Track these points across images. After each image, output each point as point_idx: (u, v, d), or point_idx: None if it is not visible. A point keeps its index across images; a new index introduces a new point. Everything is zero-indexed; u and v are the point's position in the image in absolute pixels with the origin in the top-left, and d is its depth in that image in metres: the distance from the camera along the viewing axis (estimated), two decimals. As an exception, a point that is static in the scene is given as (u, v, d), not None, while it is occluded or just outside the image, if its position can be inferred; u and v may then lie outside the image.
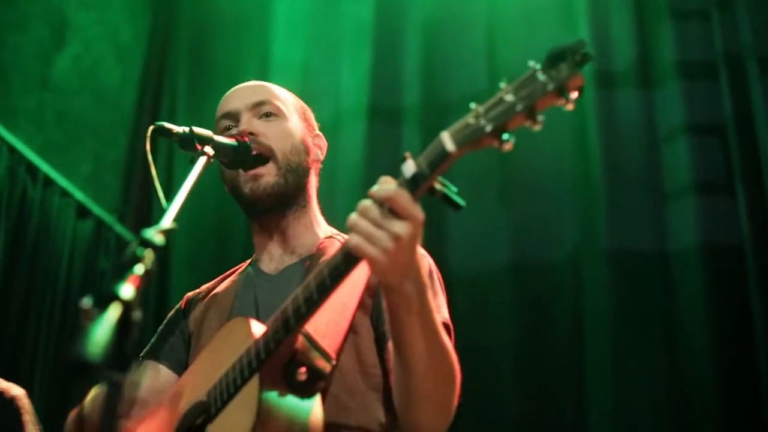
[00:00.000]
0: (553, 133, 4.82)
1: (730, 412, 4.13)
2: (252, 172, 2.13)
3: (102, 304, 1.18)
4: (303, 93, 5.44)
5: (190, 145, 1.99)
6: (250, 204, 2.16)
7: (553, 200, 4.81)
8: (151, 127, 1.98)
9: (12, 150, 4.73)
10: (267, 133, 2.17)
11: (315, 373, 1.75)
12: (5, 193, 4.63)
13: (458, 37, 5.45)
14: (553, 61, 1.37)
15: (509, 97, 1.40)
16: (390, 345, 1.79)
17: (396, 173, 4.98)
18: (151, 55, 6.23)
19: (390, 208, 1.49)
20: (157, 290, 5.37)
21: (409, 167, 1.50)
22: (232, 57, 5.98)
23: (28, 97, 5.24)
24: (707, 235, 4.37)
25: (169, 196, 5.91)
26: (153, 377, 2.13)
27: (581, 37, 4.92)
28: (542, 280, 4.71)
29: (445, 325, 1.88)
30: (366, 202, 1.52)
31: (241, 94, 2.27)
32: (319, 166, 2.33)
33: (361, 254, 1.51)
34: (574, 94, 1.36)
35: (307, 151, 2.24)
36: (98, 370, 1.07)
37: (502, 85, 1.43)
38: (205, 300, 2.22)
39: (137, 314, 1.20)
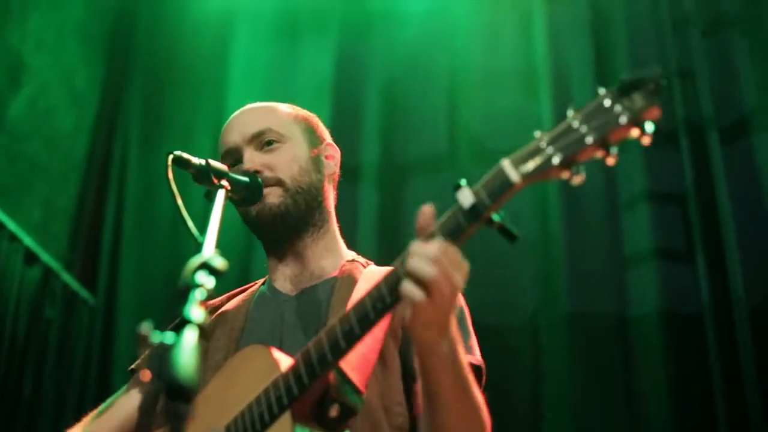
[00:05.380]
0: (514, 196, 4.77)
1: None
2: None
3: (177, 329, 1.16)
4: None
5: (206, 178, 1.93)
6: (259, 228, 2.08)
7: (513, 264, 4.75)
8: (170, 156, 1.90)
9: (-39, 192, 4.60)
10: (271, 163, 2.09)
11: (347, 411, 1.65)
12: (-46, 234, 4.47)
13: (419, 97, 5.42)
14: (626, 90, 1.30)
15: (579, 127, 1.32)
16: (419, 386, 1.72)
17: (352, 232, 4.87)
18: (104, 103, 6.10)
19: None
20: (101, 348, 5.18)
21: (466, 196, 1.41)
22: (186, 109, 5.88)
23: (-20, 139, 5.07)
24: (667, 302, 4.36)
25: (120, 229, 5.61)
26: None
27: (542, 102, 4.91)
28: (501, 344, 4.63)
29: (477, 367, 1.84)
30: (442, 244, 1.41)
31: (238, 126, 2.17)
32: (336, 177, 2.24)
33: (428, 293, 1.41)
34: (650, 126, 1.29)
35: (318, 168, 2.15)
36: (192, 392, 1.06)
37: (570, 112, 1.34)
38: (213, 316, 2.09)
39: (203, 339, 1.18)
